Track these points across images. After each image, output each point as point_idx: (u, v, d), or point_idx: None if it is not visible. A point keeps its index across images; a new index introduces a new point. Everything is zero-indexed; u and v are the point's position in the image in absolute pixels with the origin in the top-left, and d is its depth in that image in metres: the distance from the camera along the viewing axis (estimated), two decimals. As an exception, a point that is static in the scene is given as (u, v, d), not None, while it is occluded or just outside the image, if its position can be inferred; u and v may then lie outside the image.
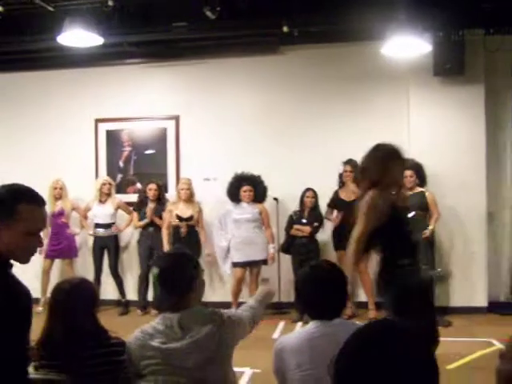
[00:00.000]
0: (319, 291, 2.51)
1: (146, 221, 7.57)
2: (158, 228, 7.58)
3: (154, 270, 2.66)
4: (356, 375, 1.23)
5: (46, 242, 7.74)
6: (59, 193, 7.79)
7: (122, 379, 2.55)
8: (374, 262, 7.16)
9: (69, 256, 7.87)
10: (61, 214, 7.78)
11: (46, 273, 7.77)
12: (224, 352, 2.50)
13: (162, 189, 7.78)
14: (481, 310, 7.25)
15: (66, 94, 8.28)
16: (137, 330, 2.53)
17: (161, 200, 7.66)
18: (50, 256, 7.77)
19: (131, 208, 7.86)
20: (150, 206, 7.62)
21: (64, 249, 7.80)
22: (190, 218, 7.38)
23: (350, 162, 7.14)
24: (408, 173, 6.94)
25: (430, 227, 6.87)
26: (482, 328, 6.56)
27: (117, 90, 8.18)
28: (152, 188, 7.61)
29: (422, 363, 1.26)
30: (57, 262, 7.99)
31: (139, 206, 7.70)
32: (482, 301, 7.31)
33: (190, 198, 7.44)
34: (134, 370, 2.48)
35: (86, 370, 2.47)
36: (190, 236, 7.35)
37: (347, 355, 1.27)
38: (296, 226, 7.24)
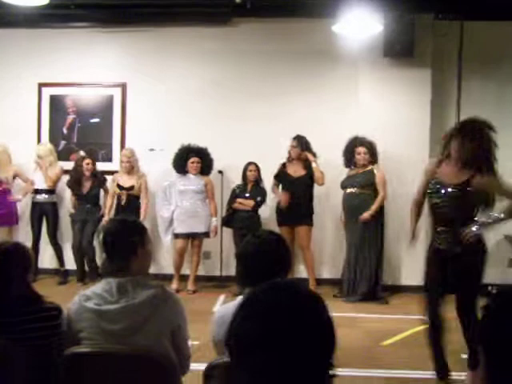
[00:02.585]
0: (259, 258, 2.50)
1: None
2: (94, 204, 7.53)
3: (101, 235, 2.67)
4: (248, 340, 1.20)
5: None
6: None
7: (57, 344, 2.50)
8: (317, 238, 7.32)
9: (8, 223, 7.59)
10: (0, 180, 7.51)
11: None
12: (157, 325, 2.43)
13: (95, 163, 7.67)
14: (416, 289, 7.40)
15: (8, 55, 7.97)
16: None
17: (96, 175, 7.56)
18: None
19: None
20: (86, 183, 7.52)
21: (3, 216, 7.52)
22: (131, 188, 7.35)
23: (295, 137, 7.17)
24: (361, 150, 7.00)
25: (371, 210, 6.84)
26: (417, 306, 6.71)
27: (62, 54, 7.92)
28: (89, 163, 7.49)
29: (315, 325, 1.22)
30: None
31: (76, 184, 7.52)
32: (417, 279, 7.46)
33: (131, 170, 7.39)
34: (71, 334, 2.46)
35: (18, 336, 2.40)
36: (130, 205, 7.32)
37: (237, 322, 1.24)
38: (239, 200, 7.23)
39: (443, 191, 4.11)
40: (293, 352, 1.17)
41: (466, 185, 4.01)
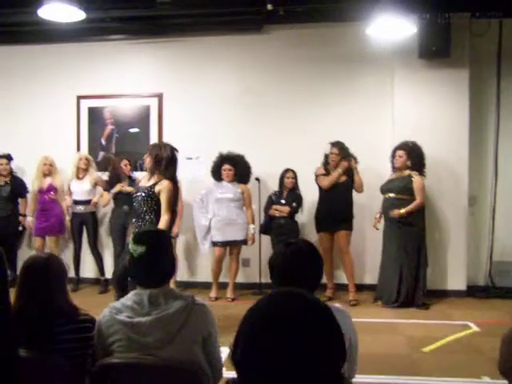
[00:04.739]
0: (289, 269, 2.48)
1: (115, 189, 7.48)
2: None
3: (138, 248, 2.51)
4: (254, 350, 1.19)
5: (32, 219, 7.71)
6: (49, 169, 7.68)
7: (91, 356, 2.52)
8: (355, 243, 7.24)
9: (58, 233, 7.73)
10: (49, 190, 7.64)
11: (39, 251, 7.64)
12: (190, 334, 2.42)
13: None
14: (459, 294, 7.29)
15: (47, 69, 8.15)
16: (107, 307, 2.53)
17: (130, 177, 7.62)
18: (39, 233, 7.66)
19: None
20: (123, 182, 7.56)
21: (52, 225, 7.65)
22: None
23: (337, 144, 7.02)
24: (399, 153, 6.89)
25: (402, 210, 6.67)
26: (460, 311, 6.60)
27: (99, 67, 8.07)
28: (127, 164, 7.59)
29: (324, 333, 1.21)
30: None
31: (112, 185, 7.57)
32: (460, 284, 7.35)
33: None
34: (102, 346, 2.45)
35: (55, 347, 2.43)
36: None
37: (243, 334, 1.23)
38: (274, 206, 7.20)
39: None
40: (300, 362, 1.14)
41: None
